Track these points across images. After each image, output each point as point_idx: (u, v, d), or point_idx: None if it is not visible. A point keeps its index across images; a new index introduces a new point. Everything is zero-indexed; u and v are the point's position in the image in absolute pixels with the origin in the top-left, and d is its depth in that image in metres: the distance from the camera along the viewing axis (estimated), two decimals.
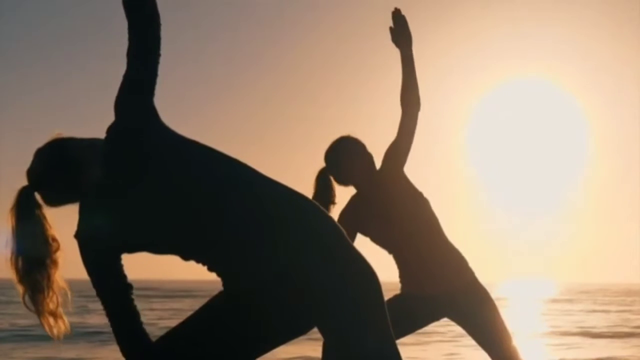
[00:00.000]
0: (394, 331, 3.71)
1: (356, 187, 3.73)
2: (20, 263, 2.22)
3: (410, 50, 3.62)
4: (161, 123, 2.29)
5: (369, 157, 3.70)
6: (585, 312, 27.69)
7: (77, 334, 15.03)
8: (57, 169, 2.29)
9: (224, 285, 2.25)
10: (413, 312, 3.66)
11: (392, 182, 3.64)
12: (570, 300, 41.29)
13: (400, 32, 3.62)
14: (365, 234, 3.71)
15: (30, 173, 2.32)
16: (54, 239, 2.27)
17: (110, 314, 2.28)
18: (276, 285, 2.14)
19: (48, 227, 2.28)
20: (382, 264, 2.33)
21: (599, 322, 21.41)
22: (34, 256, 2.22)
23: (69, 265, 2.31)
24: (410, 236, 3.63)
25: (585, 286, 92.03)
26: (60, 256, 2.27)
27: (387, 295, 3.75)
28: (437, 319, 3.70)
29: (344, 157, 3.68)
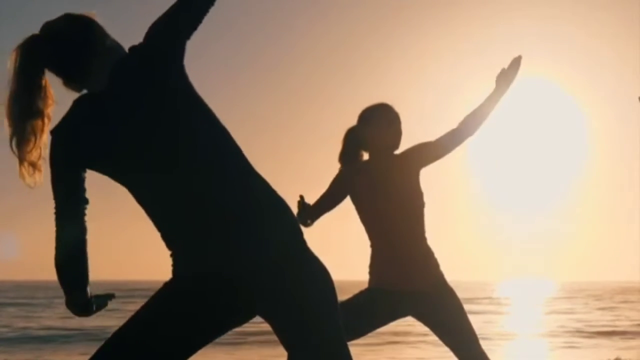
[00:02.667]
0: (362, 329, 3.72)
1: (371, 154, 3.77)
2: (16, 108, 2.16)
3: (505, 92, 3.70)
4: (185, 71, 2.21)
5: (397, 134, 3.76)
6: (590, 311, 27.68)
7: (79, 336, 15.04)
8: (75, 40, 2.20)
9: (175, 267, 2.18)
10: (381, 309, 3.68)
11: (406, 171, 3.69)
12: (572, 299, 41.28)
13: (509, 76, 3.70)
14: (354, 201, 3.74)
15: (48, 26, 2.22)
16: (50, 96, 2.20)
17: (58, 216, 2.22)
18: (241, 280, 2.11)
19: (45, 80, 2.20)
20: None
21: (605, 321, 21.40)
22: (30, 105, 2.16)
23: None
24: (397, 223, 3.66)
25: (585, 285, 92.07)
26: (51, 111, 2.21)
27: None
28: (402, 316, 3.72)
29: (376, 120, 3.74)
